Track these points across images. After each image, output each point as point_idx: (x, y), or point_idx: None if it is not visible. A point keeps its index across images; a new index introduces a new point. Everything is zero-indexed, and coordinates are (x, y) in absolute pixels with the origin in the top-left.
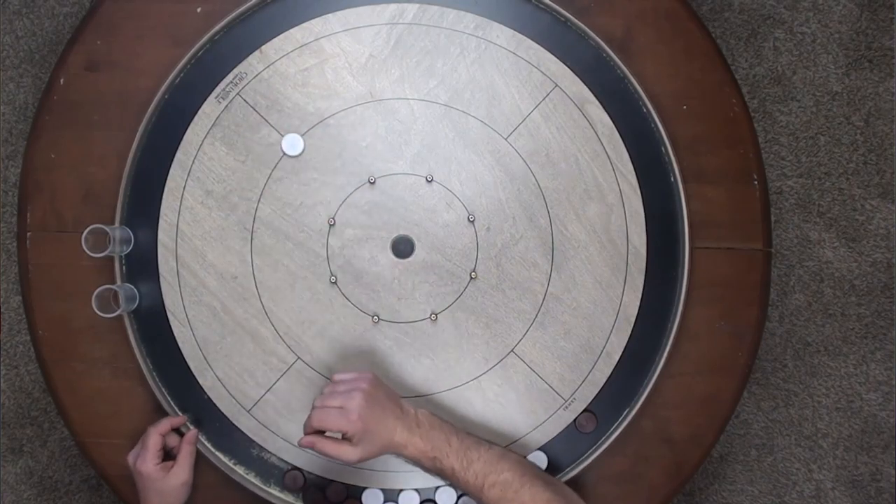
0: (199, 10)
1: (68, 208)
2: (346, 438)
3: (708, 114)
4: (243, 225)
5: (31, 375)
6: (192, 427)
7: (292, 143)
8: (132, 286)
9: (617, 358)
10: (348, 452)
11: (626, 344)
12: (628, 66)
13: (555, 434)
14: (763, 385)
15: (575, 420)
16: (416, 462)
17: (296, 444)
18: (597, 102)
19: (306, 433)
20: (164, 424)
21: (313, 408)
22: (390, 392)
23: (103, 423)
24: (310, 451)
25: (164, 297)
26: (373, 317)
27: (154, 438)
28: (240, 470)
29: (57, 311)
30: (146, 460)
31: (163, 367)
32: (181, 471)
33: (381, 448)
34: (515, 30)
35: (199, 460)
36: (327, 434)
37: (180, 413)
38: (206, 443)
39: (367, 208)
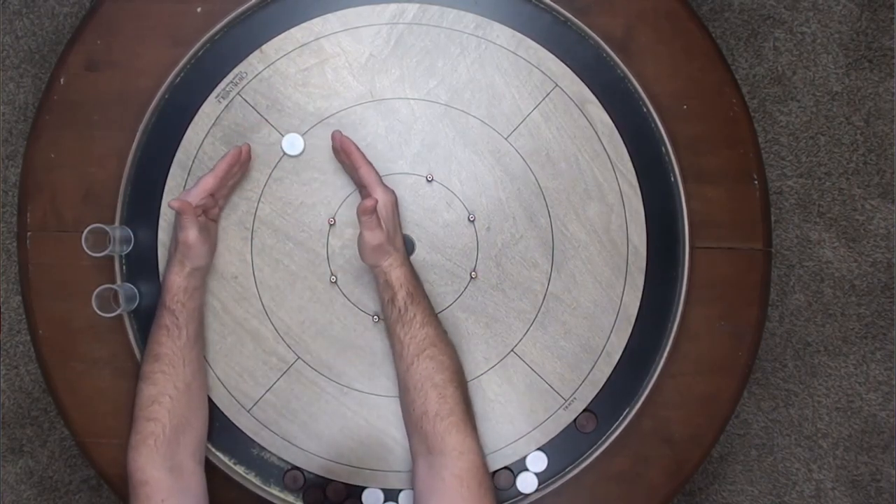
0: (199, 10)
1: (68, 208)
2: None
3: (708, 114)
4: (243, 224)
5: (31, 375)
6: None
7: (292, 143)
8: (132, 286)
9: (617, 358)
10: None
11: (626, 344)
12: (628, 65)
13: (555, 434)
14: (763, 385)
15: (575, 420)
16: (391, 288)
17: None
18: (597, 102)
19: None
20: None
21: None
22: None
23: (103, 423)
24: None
25: None
26: (373, 316)
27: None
28: (240, 470)
29: (57, 311)
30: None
31: None
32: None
33: (385, 249)
34: (515, 30)
35: None
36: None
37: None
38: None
39: None
